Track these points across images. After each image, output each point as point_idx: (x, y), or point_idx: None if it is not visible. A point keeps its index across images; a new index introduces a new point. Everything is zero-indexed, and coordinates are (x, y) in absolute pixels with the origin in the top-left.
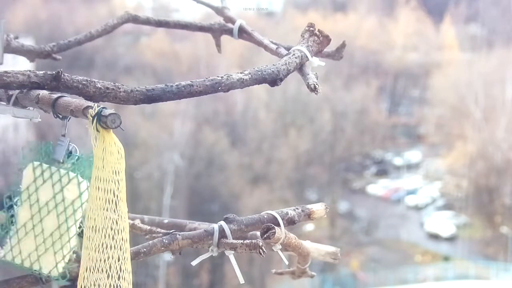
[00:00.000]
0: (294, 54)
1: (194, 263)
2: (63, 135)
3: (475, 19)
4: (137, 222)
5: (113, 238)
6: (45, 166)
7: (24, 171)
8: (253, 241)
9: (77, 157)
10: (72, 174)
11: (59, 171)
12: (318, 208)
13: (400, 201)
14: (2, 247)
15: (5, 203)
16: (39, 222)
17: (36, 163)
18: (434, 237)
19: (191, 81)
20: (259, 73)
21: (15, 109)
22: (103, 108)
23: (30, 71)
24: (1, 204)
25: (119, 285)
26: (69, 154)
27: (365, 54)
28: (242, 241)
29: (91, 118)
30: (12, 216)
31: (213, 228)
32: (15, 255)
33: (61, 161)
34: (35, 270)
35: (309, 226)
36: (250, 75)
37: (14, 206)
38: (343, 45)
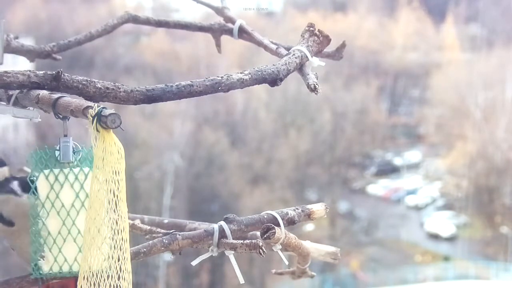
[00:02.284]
0: (294, 54)
1: (194, 263)
2: (65, 135)
3: (475, 19)
4: (137, 222)
5: (113, 238)
6: (56, 171)
7: (36, 183)
8: (253, 241)
9: (80, 152)
10: (86, 169)
11: (72, 170)
12: (318, 208)
13: (400, 201)
14: (39, 262)
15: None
16: (72, 225)
17: (47, 171)
18: (434, 237)
19: (191, 81)
20: (259, 73)
21: (15, 109)
22: (103, 108)
23: (30, 71)
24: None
25: (119, 285)
26: (73, 151)
27: (365, 54)
28: (242, 241)
29: (91, 118)
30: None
31: (213, 228)
32: (61, 264)
33: (72, 161)
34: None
35: (309, 226)
36: (250, 75)
37: (41, 219)
38: (343, 45)
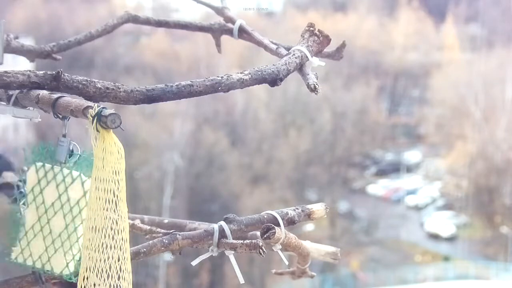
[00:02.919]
0: (294, 54)
1: (194, 263)
2: (64, 135)
3: (475, 19)
4: (137, 222)
5: (113, 238)
6: (48, 167)
7: (27, 173)
8: (253, 241)
9: (78, 155)
10: (75, 173)
11: (62, 171)
12: (318, 208)
13: (400, 201)
14: (12, 248)
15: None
16: (46, 223)
17: (39, 164)
18: (434, 237)
19: (191, 81)
20: (259, 73)
21: (15, 109)
22: (103, 108)
23: (30, 71)
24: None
25: (119, 285)
26: (71, 153)
27: (365, 54)
28: (242, 241)
29: (91, 118)
30: (19, 218)
31: (213, 228)
32: (26, 256)
33: (63, 161)
34: (47, 271)
35: (309, 226)
36: (250, 75)
37: (21, 208)
38: (343, 45)
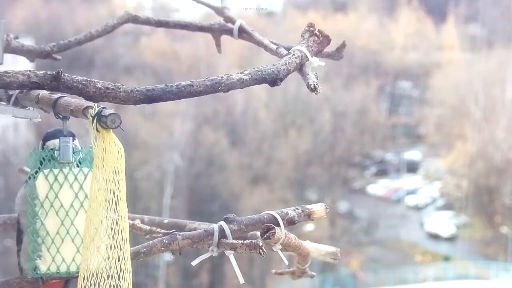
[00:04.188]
0: (294, 54)
1: (194, 263)
2: (65, 136)
3: (475, 19)
4: (137, 222)
5: (113, 238)
6: (55, 170)
7: (35, 182)
8: (253, 241)
9: (80, 152)
10: (85, 170)
11: (71, 170)
12: (318, 208)
13: (400, 201)
14: (37, 261)
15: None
16: (71, 225)
17: (46, 171)
18: (434, 237)
19: (191, 81)
20: (259, 73)
21: (15, 109)
22: (103, 108)
23: (30, 71)
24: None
25: (119, 285)
26: (73, 151)
27: (365, 54)
28: (242, 241)
29: (91, 118)
30: (34, 230)
31: (213, 228)
32: (58, 264)
33: (71, 161)
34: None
35: (309, 226)
36: (250, 75)
37: (40, 218)
38: (343, 45)
